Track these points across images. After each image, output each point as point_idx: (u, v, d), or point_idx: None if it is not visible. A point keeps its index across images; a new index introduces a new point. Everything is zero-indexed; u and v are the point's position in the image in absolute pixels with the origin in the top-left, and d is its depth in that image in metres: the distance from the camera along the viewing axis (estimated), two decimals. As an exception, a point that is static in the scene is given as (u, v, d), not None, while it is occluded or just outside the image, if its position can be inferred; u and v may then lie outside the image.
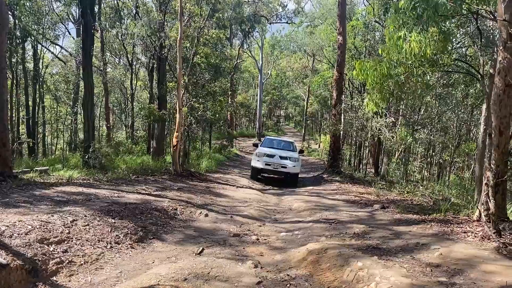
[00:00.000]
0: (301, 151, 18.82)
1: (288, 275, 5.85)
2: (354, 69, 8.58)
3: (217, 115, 20.01)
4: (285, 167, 16.31)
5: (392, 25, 7.52)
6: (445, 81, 15.70)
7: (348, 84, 24.37)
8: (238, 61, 35.17)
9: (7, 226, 6.05)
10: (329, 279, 5.52)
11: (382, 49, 8.18)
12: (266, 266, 6.27)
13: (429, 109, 18.48)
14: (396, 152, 19.78)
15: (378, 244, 6.86)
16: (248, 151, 34.50)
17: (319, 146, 38.84)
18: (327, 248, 6.55)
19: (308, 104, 44.52)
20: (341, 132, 19.28)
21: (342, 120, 19.26)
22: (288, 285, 5.51)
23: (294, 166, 16.44)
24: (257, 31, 37.92)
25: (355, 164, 23.70)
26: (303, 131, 46.84)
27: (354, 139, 24.10)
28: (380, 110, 13.75)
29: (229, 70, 25.97)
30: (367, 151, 23.41)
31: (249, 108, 47.59)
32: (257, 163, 16.86)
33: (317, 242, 7.24)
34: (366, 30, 21.37)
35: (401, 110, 18.70)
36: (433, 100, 17.98)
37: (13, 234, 5.83)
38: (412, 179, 17.97)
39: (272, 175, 17.19)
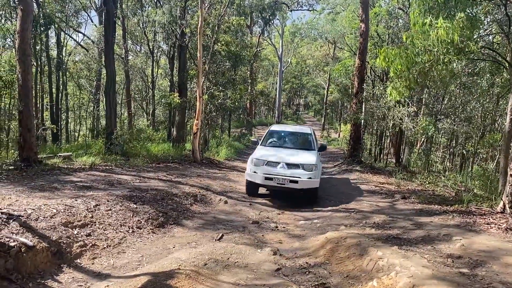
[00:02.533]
0: (322, 148, 11.86)
1: (306, 262, 5.87)
2: (376, 57, 8.44)
3: (236, 103, 20.00)
4: (296, 182, 9.92)
5: (417, 10, 7.34)
6: (470, 70, 15.29)
7: (370, 72, 23.99)
8: (258, 49, 34.96)
9: (33, 209, 6.22)
10: (348, 268, 5.50)
11: (407, 36, 8.00)
12: (284, 253, 6.30)
13: (453, 98, 18.05)
14: (418, 142, 19.45)
15: (399, 234, 6.80)
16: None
17: (339, 136, 38.50)
18: (346, 237, 6.52)
19: (329, 92, 44.06)
20: (362, 121, 19.03)
21: (363, 109, 19.01)
22: (307, 272, 5.52)
23: (310, 178, 9.98)
24: (277, 19, 37.58)
25: (376, 153, 23.41)
26: (322, 120, 46.47)
27: (375, 128, 23.77)
28: (402, 99, 13.52)
29: (249, 58, 25.84)
30: (388, 141, 23.09)
31: (269, 97, 47.40)
32: (253, 176, 10.44)
33: (336, 230, 7.22)
34: (389, 17, 20.90)
35: (424, 99, 18.32)
36: (457, 89, 17.55)
37: (38, 217, 6.00)
38: (434, 170, 17.66)
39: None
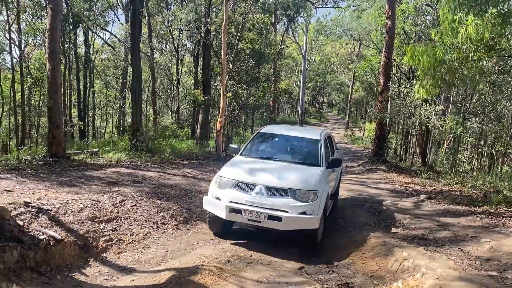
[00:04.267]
0: (333, 163, 7.37)
1: (331, 261, 5.82)
2: (403, 55, 8.29)
3: (260, 101, 19.98)
4: (279, 219, 5.99)
5: (446, 7, 7.16)
6: (501, 68, 14.84)
7: (396, 70, 23.60)
8: (282, 47, 34.86)
9: (61, 204, 6.38)
10: (373, 268, 5.44)
11: (435, 32, 7.82)
12: (308, 252, 6.28)
13: (482, 97, 17.56)
14: (445, 141, 19.03)
15: (424, 235, 6.67)
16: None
17: (363, 134, 38.05)
18: (370, 236, 6.44)
19: (353, 90, 43.58)
20: (387, 120, 18.74)
21: (389, 107, 18.71)
22: (330, 271, 5.49)
23: (303, 212, 6.08)
24: (302, 16, 37.28)
25: (401, 153, 23.03)
26: (346, 118, 46.01)
27: (401, 127, 23.38)
28: (430, 97, 13.23)
29: (273, 56, 25.81)
30: (414, 140, 22.66)
31: (292, 95, 47.16)
32: (212, 204, 6.54)
33: (360, 230, 7.14)
34: (416, 14, 20.50)
35: (452, 98, 17.89)
36: (487, 87, 17.07)
37: (66, 212, 6.15)
38: (461, 170, 17.26)
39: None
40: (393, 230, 7.10)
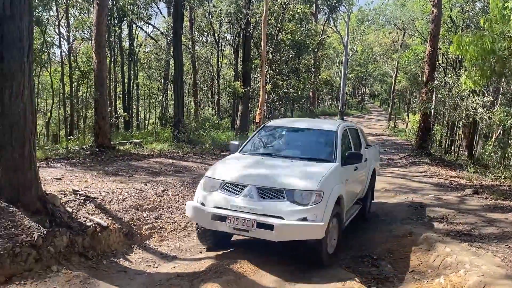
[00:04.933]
0: (352, 157, 6.07)
1: (370, 255, 5.76)
2: (449, 44, 7.96)
3: (299, 93, 19.86)
4: (270, 227, 4.77)
5: (497, -7, 6.82)
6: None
7: (442, 60, 22.74)
8: (323, 37, 34.35)
9: (107, 192, 6.66)
10: (414, 263, 5.33)
11: (484, 20, 7.47)
12: (350, 243, 6.23)
13: (536, 87, 16.64)
14: (494, 134, 18.20)
15: (469, 231, 6.45)
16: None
17: (406, 126, 36.99)
18: (411, 231, 6.31)
19: (396, 81, 42.37)
20: (432, 111, 18.12)
21: (434, 98, 18.09)
22: (369, 265, 5.43)
23: (303, 219, 4.84)
24: (343, 5, 36.55)
25: (446, 146, 22.24)
26: (389, 110, 44.84)
27: (446, 119, 22.55)
28: (477, 88, 12.69)
29: (313, 46, 25.50)
30: (460, 132, 21.82)
31: (332, 86, 46.49)
32: (195, 211, 5.35)
33: (401, 224, 7.00)
34: (464, 0, 19.61)
35: (502, 88, 17.05)
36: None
37: (112, 200, 6.41)
38: (511, 164, 16.47)
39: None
40: (436, 225, 6.91)
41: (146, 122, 30.11)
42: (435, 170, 13.74)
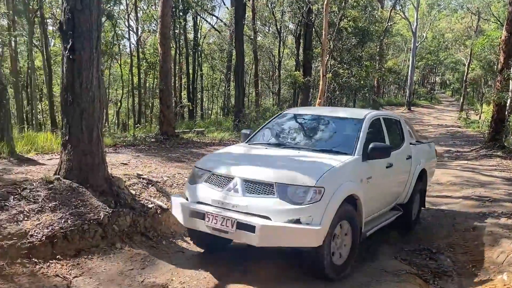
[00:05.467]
0: (376, 150, 4.80)
1: (428, 248, 5.57)
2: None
3: (362, 82, 19.34)
4: (251, 229, 3.89)
5: None
6: None
7: (520, 46, 21.00)
8: (389, 23, 33.08)
9: (168, 177, 6.98)
10: (475, 258, 5.09)
11: None
12: (407, 238, 6.06)
13: None
14: None
15: (541, 228, 5.99)
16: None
17: (479, 117, 34.76)
18: (475, 226, 6.00)
19: (469, 69, 39.84)
20: (508, 101, 16.88)
21: (510, 87, 16.83)
22: (428, 258, 5.26)
23: (296, 220, 3.93)
24: (412, -10, 35.00)
25: (523, 138, 20.63)
26: (461, 100, 42.34)
27: (524, 109, 20.87)
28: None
29: (379, 33, 24.67)
30: (540, 124, 20.12)
31: (399, 75, 44.70)
32: (177, 207, 4.60)
33: (464, 218, 6.66)
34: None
35: None
36: None
37: (173, 184, 6.72)
38: None
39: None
40: (504, 220, 6.49)
41: (210, 112, 30.94)
42: (508, 164, 12.84)
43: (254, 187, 4.15)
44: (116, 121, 24.60)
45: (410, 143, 6.27)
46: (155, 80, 21.43)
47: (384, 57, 34.85)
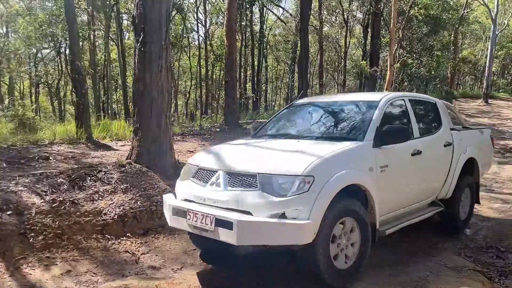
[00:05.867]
0: (391, 134, 4.14)
1: (496, 246, 5.30)
2: None
3: (433, 72, 18.44)
4: (229, 226, 3.36)
5: None
6: None
7: None
8: (466, 11, 31.09)
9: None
10: (549, 260, 4.76)
11: None
12: (473, 235, 5.80)
13: None
14: None
15: None
16: (470, 113, 30.83)
17: None
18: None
19: (557, 58, 36.46)
20: None
21: None
22: (495, 256, 5.01)
23: (281, 215, 3.36)
24: (493, -26, 32.58)
25: None
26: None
27: None
28: None
29: (453, 21, 23.31)
30: None
31: (476, 65, 41.98)
32: (164, 206, 4.27)
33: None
34: None
35: None
36: None
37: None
38: None
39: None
40: None
41: (273, 103, 31.16)
42: None
43: (236, 180, 3.66)
44: (185, 112, 25.59)
45: (452, 129, 5.42)
46: (222, 72, 21.96)
47: (459, 47, 32.87)
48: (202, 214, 3.59)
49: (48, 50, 24.99)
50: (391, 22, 14.46)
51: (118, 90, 25.75)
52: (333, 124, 4.75)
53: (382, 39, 18.72)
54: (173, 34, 19.20)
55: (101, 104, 21.99)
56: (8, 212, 4.14)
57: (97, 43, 23.07)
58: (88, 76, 18.74)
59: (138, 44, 5.56)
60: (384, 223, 4.21)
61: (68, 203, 4.56)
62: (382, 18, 19.30)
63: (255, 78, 25.37)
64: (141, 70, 5.59)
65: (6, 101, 15.28)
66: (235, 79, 12.86)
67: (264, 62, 27.08)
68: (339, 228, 3.69)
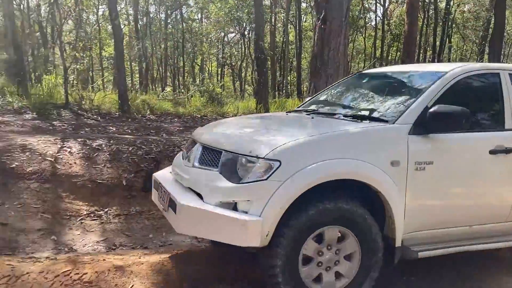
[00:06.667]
0: (439, 117, 2.84)
1: None
2: None
3: None
4: (175, 208, 2.84)
5: None
6: None
7: None
8: None
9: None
10: None
11: None
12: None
13: None
14: None
15: None
16: None
17: None
18: None
19: None
20: None
21: None
22: None
23: (232, 203, 2.65)
24: None
25: None
26: None
27: None
28: None
29: None
30: None
31: None
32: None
33: None
34: None
35: None
36: None
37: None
38: None
39: None
40: None
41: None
42: None
43: (208, 156, 3.04)
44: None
45: None
46: (398, 53, 20.93)
47: None
48: (164, 191, 3.15)
49: (233, 34, 27.50)
50: None
51: (292, 72, 26.86)
52: (373, 100, 3.70)
53: None
54: (350, 14, 18.86)
55: (276, 84, 23.32)
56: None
57: (277, 26, 24.38)
58: (267, 57, 20.08)
59: (319, 22, 5.76)
60: (419, 242, 3.06)
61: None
62: None
63: (435, 60, 23.43)
64: (319, 47, 5.80)
65: (198, 80, 17.47)
66: (413, 58, 12.19)
67: (447, 42, 24.74)
68: (313, 245, 2.71)
